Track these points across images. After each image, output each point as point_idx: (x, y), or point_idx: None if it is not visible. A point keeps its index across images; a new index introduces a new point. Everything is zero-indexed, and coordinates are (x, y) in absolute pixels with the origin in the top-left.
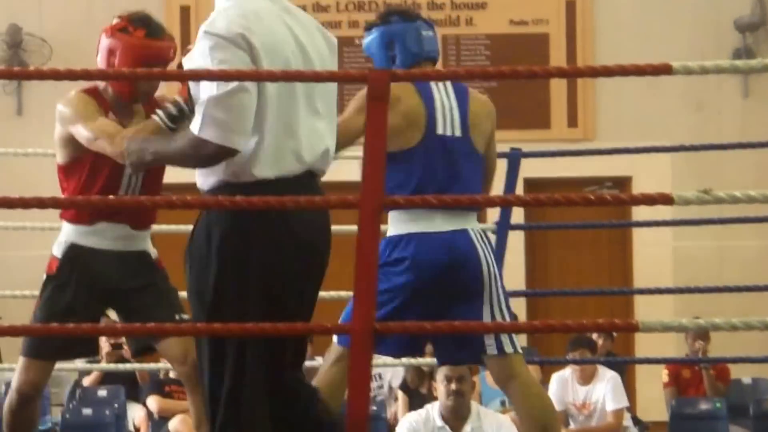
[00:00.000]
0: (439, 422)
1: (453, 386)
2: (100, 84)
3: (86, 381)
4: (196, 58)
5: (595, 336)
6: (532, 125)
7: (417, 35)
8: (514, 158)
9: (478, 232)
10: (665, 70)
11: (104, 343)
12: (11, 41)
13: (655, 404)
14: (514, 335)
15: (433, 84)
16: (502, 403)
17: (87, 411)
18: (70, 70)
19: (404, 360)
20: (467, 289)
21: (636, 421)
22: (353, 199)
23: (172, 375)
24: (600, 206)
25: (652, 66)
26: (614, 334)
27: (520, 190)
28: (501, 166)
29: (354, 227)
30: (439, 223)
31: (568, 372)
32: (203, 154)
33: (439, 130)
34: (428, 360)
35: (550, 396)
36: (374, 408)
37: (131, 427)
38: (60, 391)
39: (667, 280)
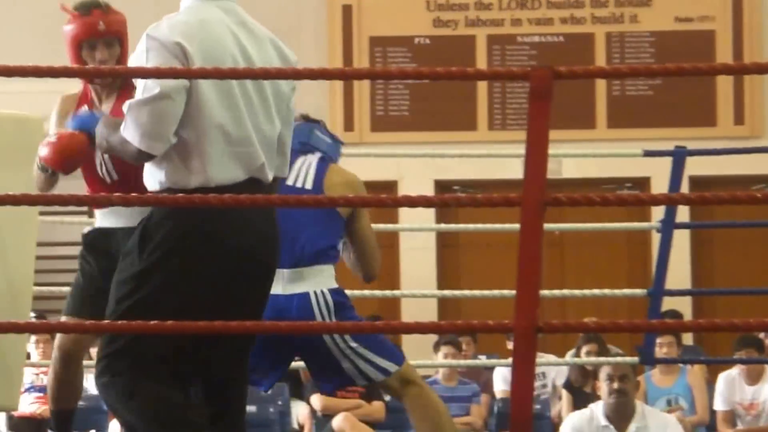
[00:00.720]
0: (604, 421)
1: (615, 385)
2: None
3: None
4: (135, 57)
5: (762, 335)
6: (697, 123)
7: (309, 133)
8: (679, 156)
9: (321, 293)
10: None
11: None
12: None
13: None
14: (379, 362)
15: (299, 158)
16: (668, 403)
17: (251, 408)
18: (233, 69)
19: (568, 359)
20: (309, 348)
21: None
22: (516, 198)
23: None
24: (767, 204)
25: None
26: None
27: (685, 188)
28: (666, 164)
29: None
30: (281, 287)
31: (735, 372)
32: (128, 153)
33: (289, 182)
34: (592, 359)
35: (717, 395)
36: (538, 407)
37: (295, 425)
38: None
39: None
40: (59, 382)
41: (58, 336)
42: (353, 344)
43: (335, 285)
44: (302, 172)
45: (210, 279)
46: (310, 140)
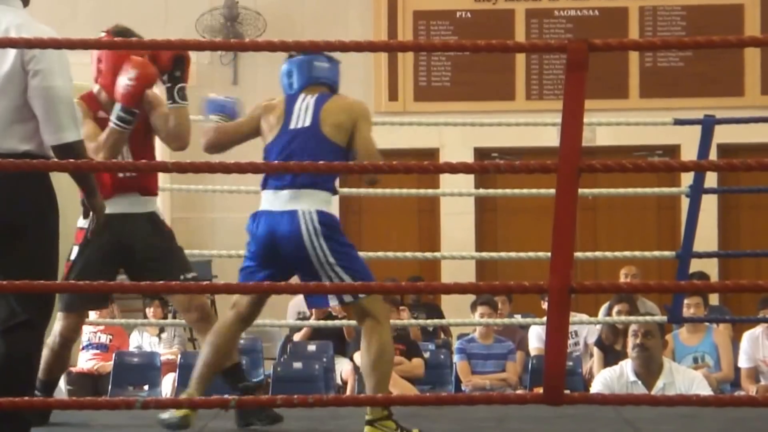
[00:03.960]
0: (632, 377)
1: (638, 340)
2: (95, 89)
3: (297, 336)
4: None
5: None
6: (726, 93)
7: (309, 65)
8: (708, 125)
9: (309, 213)
10: None
11: None
12: (228, 14)
13: None
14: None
15: (300, 97)
16: (695, 360)
17: (297, 365)
18: (283, 41)
19: (600, 317)
20: (296, 260)
21: None
22: (552, 164)
23: None
24: None
25: None
26: None
27: (713, 155)
28: (695, 133)
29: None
30: (277, 204)
31: (759, 330)
32: None
33: (291, 126)
34: (623, 318)
35: (741, 353)
36: (570, 364)
37: (339, 380)
38: (272, 346)
39: None
40: (56, 358)
41: (57, 326)
42: (331, 260)
43: (326, 209)
44: (301, 114)
45: None
46: (313, 73)
